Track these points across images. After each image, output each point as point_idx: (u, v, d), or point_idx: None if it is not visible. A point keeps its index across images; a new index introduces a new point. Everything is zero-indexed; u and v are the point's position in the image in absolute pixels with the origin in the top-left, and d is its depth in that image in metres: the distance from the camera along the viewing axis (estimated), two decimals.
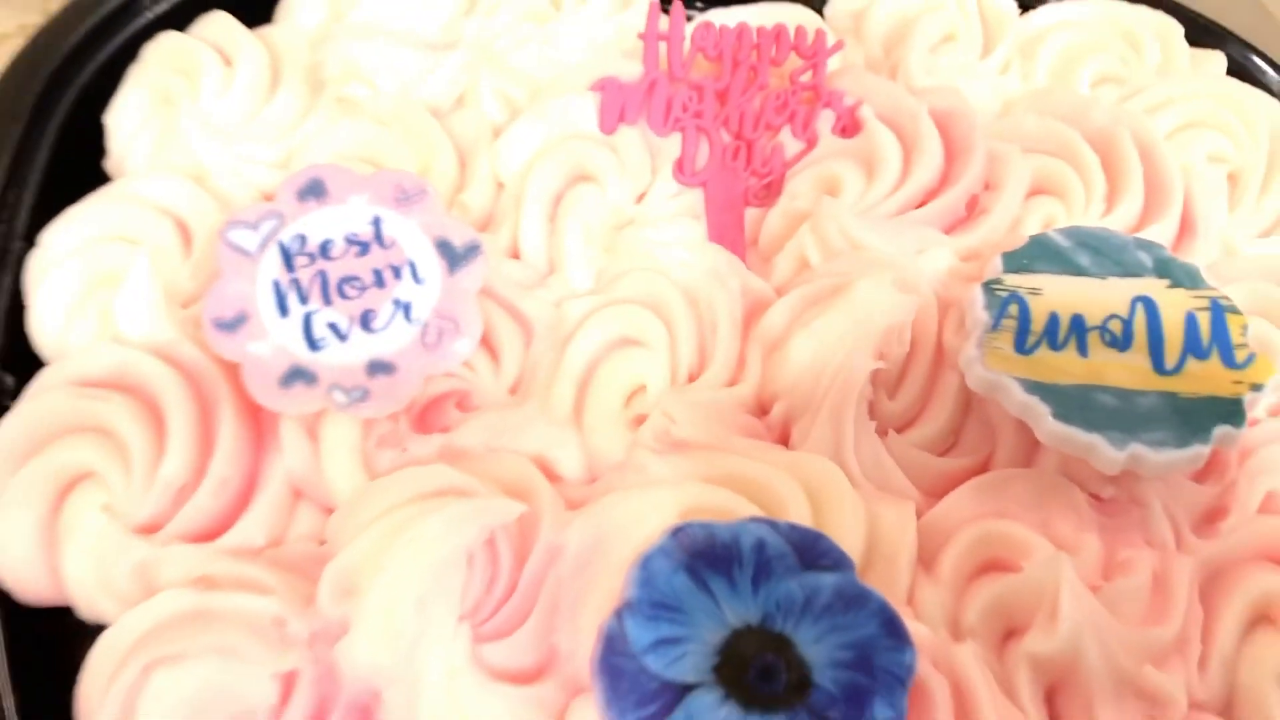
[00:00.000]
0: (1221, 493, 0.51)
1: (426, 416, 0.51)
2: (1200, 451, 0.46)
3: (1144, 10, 0.68)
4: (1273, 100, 0.64)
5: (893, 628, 0.42)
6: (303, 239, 0.50)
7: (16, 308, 0.54)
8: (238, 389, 0.49)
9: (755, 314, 0.55)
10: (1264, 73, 0.68)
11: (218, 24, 0.62)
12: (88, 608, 0.48)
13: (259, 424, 0.50)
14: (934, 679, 0.43)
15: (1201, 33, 0.69)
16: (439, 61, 0.61)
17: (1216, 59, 0.67)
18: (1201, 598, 0.48)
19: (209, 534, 0.48)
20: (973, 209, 0.58)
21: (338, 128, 0.59)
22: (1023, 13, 0.69)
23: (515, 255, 0.57)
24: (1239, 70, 0.68)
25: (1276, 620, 0.48)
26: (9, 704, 0.46)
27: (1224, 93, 0.63)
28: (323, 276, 0.50)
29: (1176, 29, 0.68)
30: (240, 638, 0.44)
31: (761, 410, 0.53)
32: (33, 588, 0.48)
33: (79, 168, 0.59)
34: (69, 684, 0.45)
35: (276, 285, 0.49)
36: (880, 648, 0.42)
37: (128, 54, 0.62)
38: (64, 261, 0.54)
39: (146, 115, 0.60)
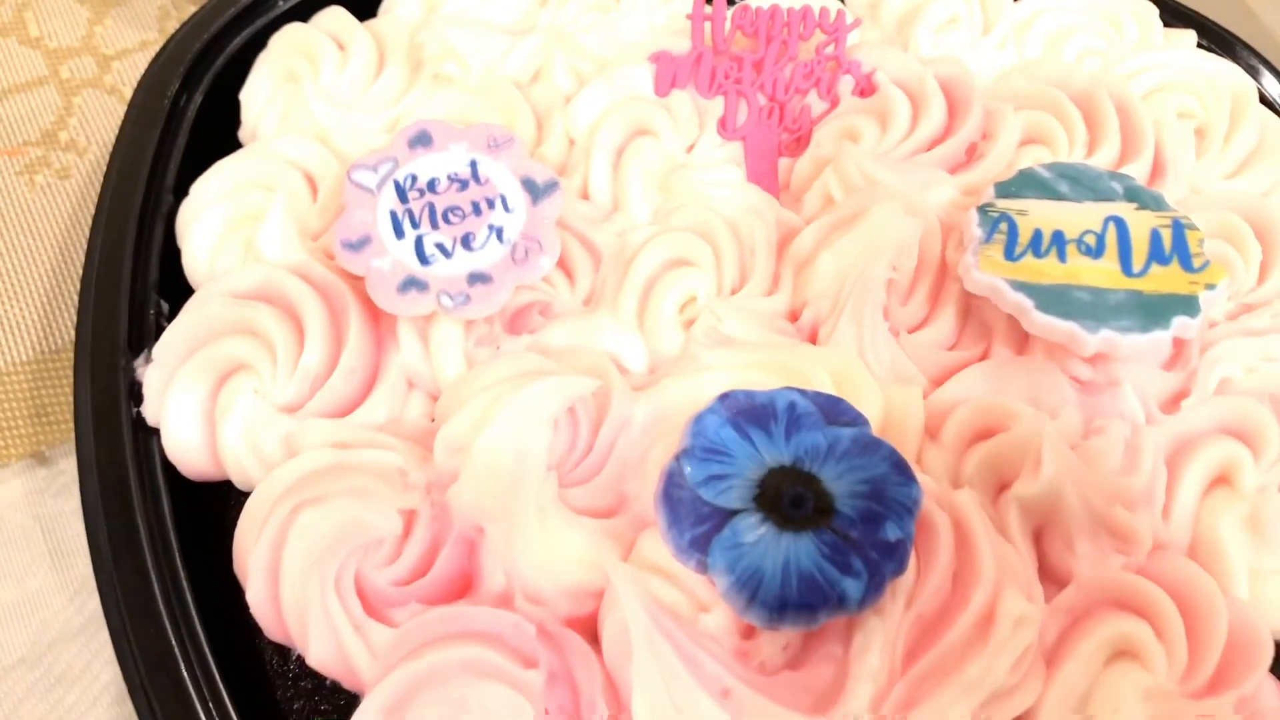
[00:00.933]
0: (1185, 378, 0.57)
1: (516, 320, 0.58)
2: (1161, 336, 0.53)
3: None
4: (1236, 67, 0.70)
5: (900, 468, 0.49)
6: (414, 178, 0.59)
7: (166, 248, 0.62)
8: (361, 297, 0.57)
9: (787, 241, 0.61)
10: (1230, 47, 0.74)
11: (333, 16, 0.70)
12: (240, 474, 0.55)
13: (379, 325, 0.58)
14: (938, 515, 0.50)
15: (1174, 15, 0.75)
16: (518, 44, 0.68)
17: (1188, 36, 0.73)
18: (1166, 463, 0.53)
19: (340, 413, 0.56)
20: (972, 155, 0.64)
21: (435, 98, 0.65)
22: None
23: (585, 197, 0.64)
24: (1208, 47, 0.73)
25: (1231, 481, 0.54)
26: (179, 564, 0.53)
27: (1192, 62, 0.70)
28: (430, 207, 0.58)
29: (1152, 10, 0.74)
30: (371, 482, 0.51)
31: (793, 316, 0.60)
32: (195, 463, 0.55)
33: (216, 135, 0.67)
34: (225, 545, 0.52)
35: (393, 214, 0.57)
36: (890, 483, 0.49)
37: (256, 44, 0.70)
38: (213, 204, 0.61)
39: (274, 91, 0.68)
